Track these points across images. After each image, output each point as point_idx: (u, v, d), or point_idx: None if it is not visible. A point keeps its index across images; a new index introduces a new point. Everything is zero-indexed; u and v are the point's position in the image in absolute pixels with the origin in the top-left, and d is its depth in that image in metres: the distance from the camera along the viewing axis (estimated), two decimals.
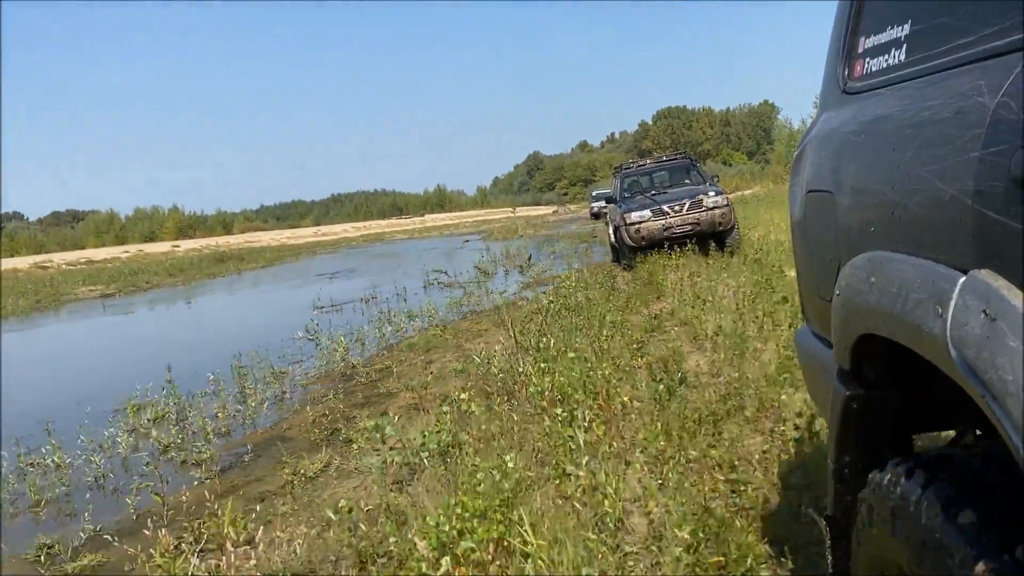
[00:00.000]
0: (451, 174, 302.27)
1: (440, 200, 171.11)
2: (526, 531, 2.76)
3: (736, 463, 3.35)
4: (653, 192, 14.46)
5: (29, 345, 16.18)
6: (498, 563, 2.71)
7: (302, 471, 4.95)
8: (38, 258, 63.85)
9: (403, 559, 2.98)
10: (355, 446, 5.18)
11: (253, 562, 3.25)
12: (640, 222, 12.96)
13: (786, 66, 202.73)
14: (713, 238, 12.67)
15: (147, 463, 5.67)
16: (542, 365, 5.14)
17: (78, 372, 11.63)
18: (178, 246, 72.48)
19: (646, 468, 3.52)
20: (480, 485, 3.12)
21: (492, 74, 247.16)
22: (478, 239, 39.29)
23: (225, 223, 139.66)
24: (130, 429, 6.85)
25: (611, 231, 15.22)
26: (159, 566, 3.44)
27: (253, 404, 7.22)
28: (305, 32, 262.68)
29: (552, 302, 8.22)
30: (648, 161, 16.96)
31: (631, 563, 2.79)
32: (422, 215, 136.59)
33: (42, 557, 4.32)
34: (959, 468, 1.36)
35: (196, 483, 5.25)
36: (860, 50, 1.81)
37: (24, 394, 9.58)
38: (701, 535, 2.67)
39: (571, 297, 8.67)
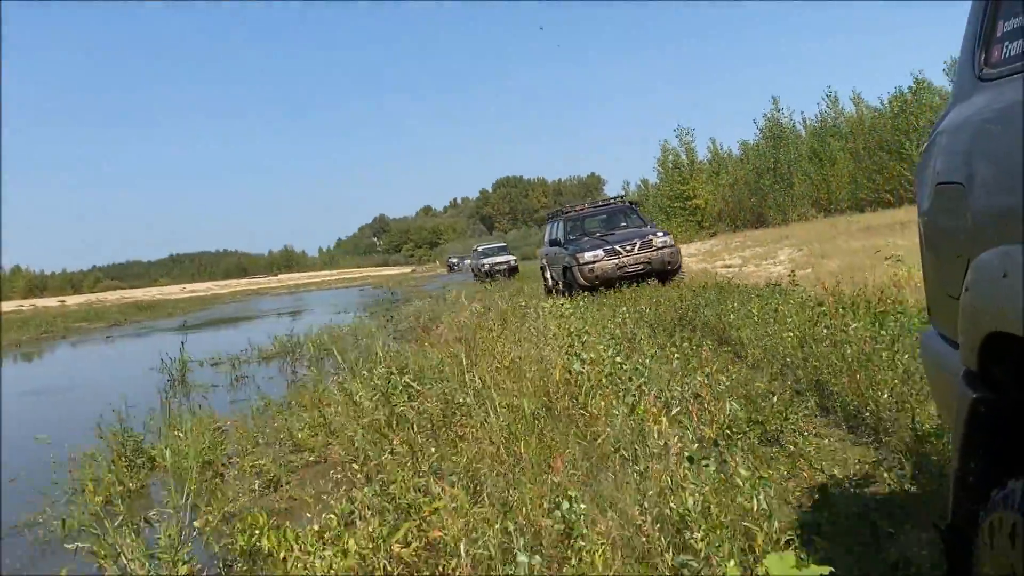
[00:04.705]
0: (292, 234, 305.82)
1: (287, 261, 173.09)
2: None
3: None
4: (602, 233, 15.31)
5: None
6: None
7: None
8: None
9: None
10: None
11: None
12: (594, 261, 13.70)
13: (612, 141, 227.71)
14: (659, 276, 13.45)
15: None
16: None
17: None
18: (64, 301, 75.72)
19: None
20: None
21: (336, 135, 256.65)
22: (370, 287, 48.45)
23: (73, 283, 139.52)
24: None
25: (551, 273, 16.28)
26: None
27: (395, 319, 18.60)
28: (151, 89, 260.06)
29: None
30: (587, 205, 17.83)
31: None
32: (276, 275, 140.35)
33: None
34: None
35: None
36: (999, 34, 1.71)
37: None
38: None
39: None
